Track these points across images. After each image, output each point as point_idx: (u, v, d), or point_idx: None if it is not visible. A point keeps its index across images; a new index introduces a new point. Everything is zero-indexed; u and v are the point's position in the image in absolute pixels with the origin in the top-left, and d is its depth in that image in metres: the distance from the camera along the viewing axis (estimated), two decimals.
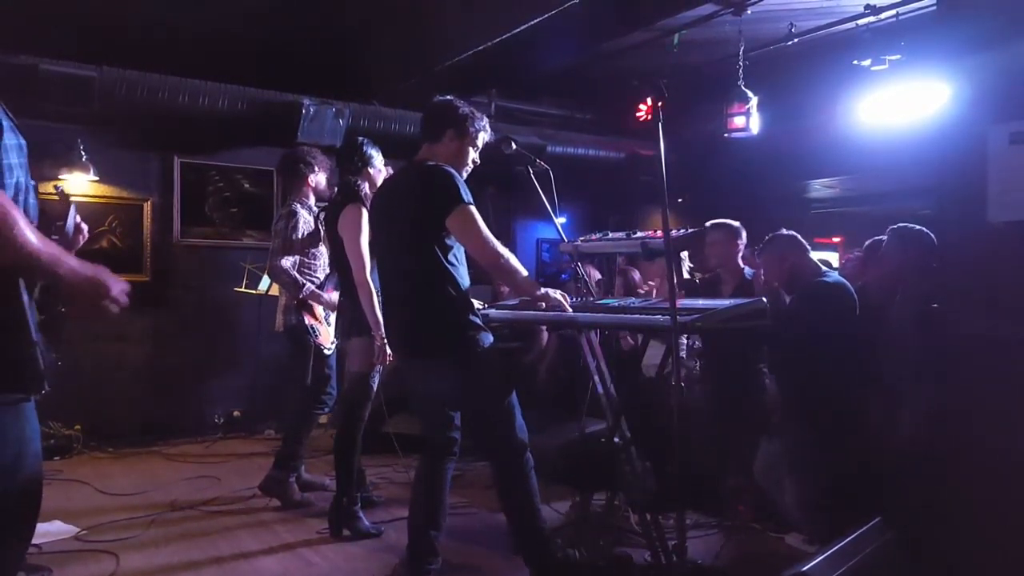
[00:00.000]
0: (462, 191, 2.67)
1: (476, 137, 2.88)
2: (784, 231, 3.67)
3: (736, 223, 4.01)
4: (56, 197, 3.05)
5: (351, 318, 3.56)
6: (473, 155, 2.90)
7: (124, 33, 5.21)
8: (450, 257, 2.74)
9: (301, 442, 4.06)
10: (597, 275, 5.46)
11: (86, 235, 2.55)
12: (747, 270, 4.01)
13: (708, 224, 4.00)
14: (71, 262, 1.58)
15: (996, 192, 2.36)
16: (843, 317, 3.41)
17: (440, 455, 2.95)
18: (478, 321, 2.79)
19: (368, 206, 3.49)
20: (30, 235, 1.49)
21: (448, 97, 2.90)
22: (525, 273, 2.85)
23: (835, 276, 3.58)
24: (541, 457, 2.94)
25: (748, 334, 3.51)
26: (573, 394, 4.17)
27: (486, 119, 2.92)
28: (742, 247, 4.05)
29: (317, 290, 4.05)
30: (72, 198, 2.60)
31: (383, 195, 3.03)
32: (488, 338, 2.79)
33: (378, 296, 3.46)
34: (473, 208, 2.68)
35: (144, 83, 5.16)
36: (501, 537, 3.42)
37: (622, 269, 5.37)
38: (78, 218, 2.50)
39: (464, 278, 2.79)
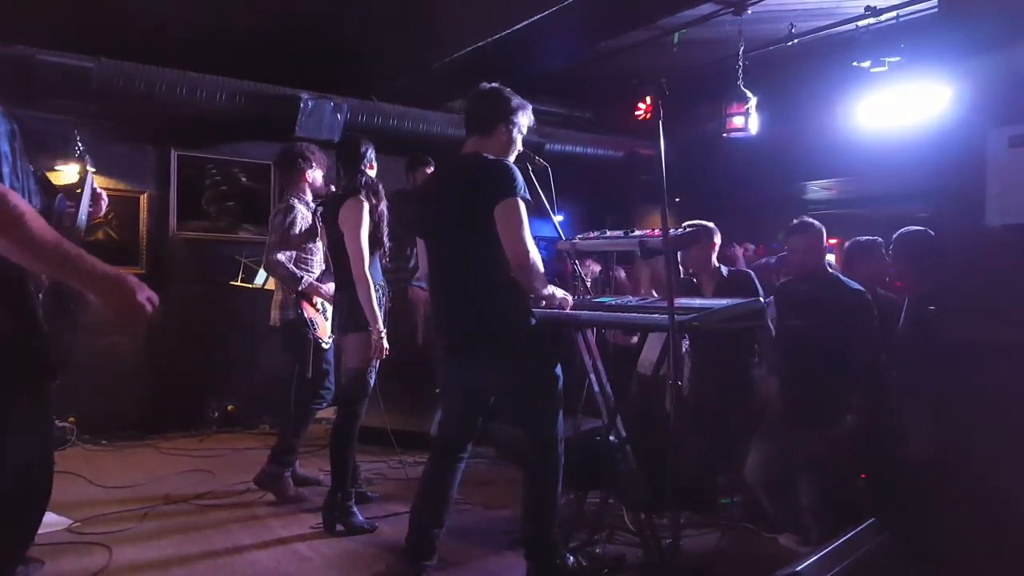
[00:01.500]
0: (518, 186, 2.71)
1: (523, 126, 2.92)
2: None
3: (710, 223, 3.97)
4: (77, 161, 2.88)
5: (348, 313, 3.55)
6: (519, 141, 2.95)
7: (122, 25, 5.19)
8: None
9: (298, 437, 4.05)
10: (597, 268, 5.46)
11: (105, 204, 2.49)
12: (723, 268, 3.98)
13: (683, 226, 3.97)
14: (89, 261, 1.44)
15: (995, 195, 2.36)
16: (870, 327, 3.40)
17: (455, 452, 2.95)
18: (531, 312, 2.83)
19: (369, 201, 3.50)
20: (43, 231, 1.39)
21: (495, 87, 2.90)
22: (542, 270, 2.86)
23: (855, 283, 3.54)
24: None
25: (736, 333, 3.51)
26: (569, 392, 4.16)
27: (528, 104, 2.94)
28: (718, 246, 4.01)
29: (315, 282, 4.04)
30: (88, 166, 2.52)
31: (436, 185, 3.00)
32: (536, 327, 2.83)
33: (377, 291, 3.46)
34: (522, 204, 2.72)
35: (142, 76, 5.13)
36: (497, 534, 3.43)
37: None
38: (96, 186, 2.44)
39: None
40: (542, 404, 2.80)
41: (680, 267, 4.04)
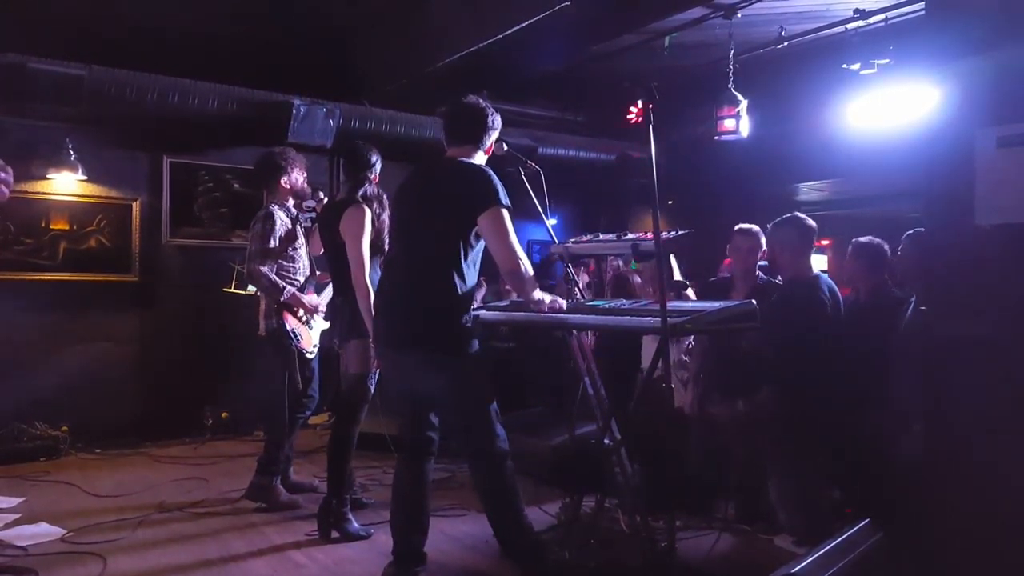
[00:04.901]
0: (501, 194, 2.75)
1: (495, 135, 3.03)
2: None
3: (755, 227, 3.96)
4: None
5: (349, 320, 3.54)
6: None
7: (113, 32, 5.18)
8: (470, 257, 2.81)
9: (282, 447, 4.03)
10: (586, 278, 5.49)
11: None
12: (761, 276, 3.97)
13: (736, 228, 3.97)
14: None
15: (983, 195, 2.38)
16: (816, 319, 3.43)
17: (418, 455, 2.95)
18: (470, 324, 2.83)
19: (371, 209, 3.52)
20: None
21: (478, 101, 2.97)
22: (532, 275, 2.89)
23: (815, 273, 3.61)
24: (533, 458, 2.94)
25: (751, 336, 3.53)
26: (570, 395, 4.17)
27: (498, 115, 3.03)
28: (760, 253, 3.99)
29: (297, 293, 4.02)
30: None
31: (413, 185, 3.03)
32: (476, 343, 2.83)
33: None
34: (507, 212, 2.76)
35: (133, 82, 5.11)
36: (492, 539, 3.42)
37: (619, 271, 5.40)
38: None
39: (472, 281, 2.85)
40: (473, 415, 2.82)
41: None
